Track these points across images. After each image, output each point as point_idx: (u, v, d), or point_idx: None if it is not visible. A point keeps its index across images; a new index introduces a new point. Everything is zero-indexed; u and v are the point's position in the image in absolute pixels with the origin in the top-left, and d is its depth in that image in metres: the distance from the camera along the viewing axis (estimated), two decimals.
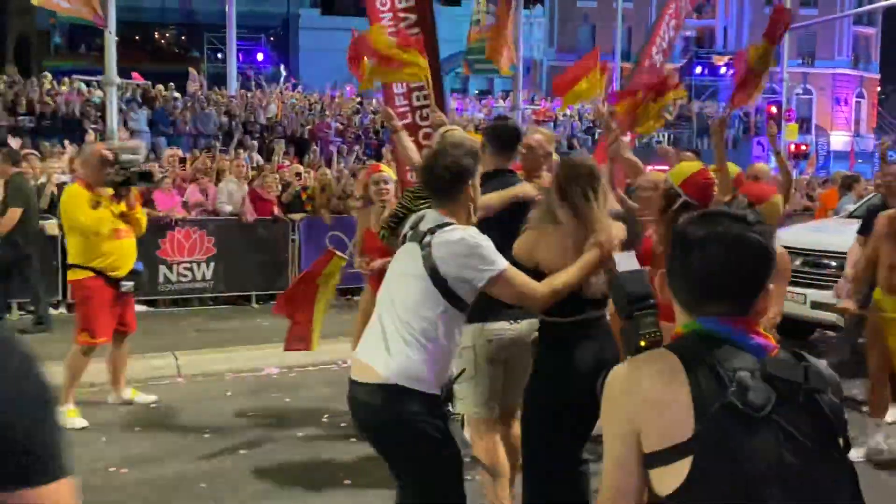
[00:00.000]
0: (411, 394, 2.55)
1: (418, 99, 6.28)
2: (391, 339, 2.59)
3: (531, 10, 34.59)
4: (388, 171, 5.22)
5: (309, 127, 18.27)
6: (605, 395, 1.50)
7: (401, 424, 2.57)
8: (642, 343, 1.83)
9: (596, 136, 24.60)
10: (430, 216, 2.72)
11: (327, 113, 19.69)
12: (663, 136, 27.34)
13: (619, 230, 3.00)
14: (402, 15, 6.22)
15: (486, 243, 2.61)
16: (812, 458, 1.38)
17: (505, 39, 12.68)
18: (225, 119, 17.75)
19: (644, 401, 1.41)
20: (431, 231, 2.63)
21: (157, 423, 5.24)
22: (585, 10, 39.67)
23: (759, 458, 1.36)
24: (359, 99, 22.12)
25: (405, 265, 2.68)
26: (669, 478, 1.38)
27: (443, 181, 2.67)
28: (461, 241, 2.58)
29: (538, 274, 2.91)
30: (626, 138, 5.77)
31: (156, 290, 8.77)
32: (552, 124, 24.72)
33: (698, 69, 35.57)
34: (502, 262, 2.61)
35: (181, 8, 33.76)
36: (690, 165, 3.34)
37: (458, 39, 29.91)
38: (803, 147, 25.01)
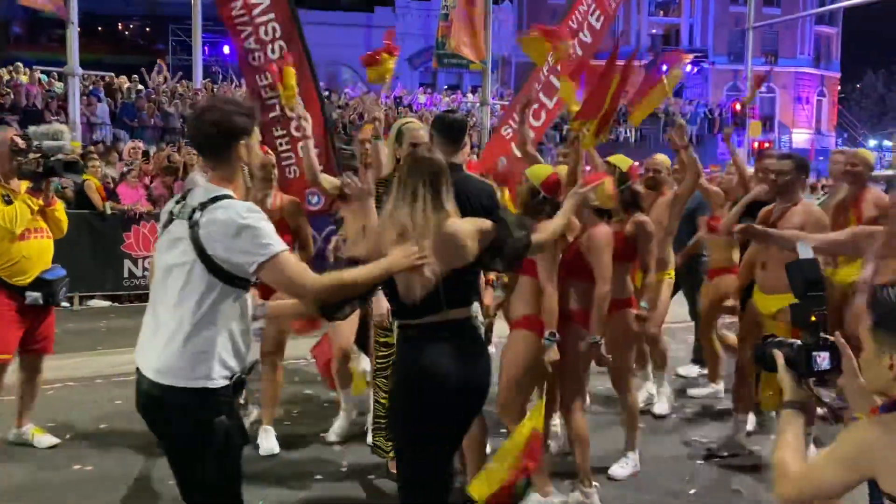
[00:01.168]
0: (184, 391, 2.35)
1: None
2: (162, 333, 2.38)
3: (499, 5, 34.69)
4: (269, 153, 4.71)
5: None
6: (856, 441, 1.80)
7: (170, 420, 2.42)
8: (812, 318, 2.09)
9: (564, 132, 24.77)
10: (202, 188, 2.46)
11: None
12: (632, 132, 27.61)
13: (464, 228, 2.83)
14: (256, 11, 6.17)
15: (260, 223, 2.33)
16: None
17: (474, 32, 12.66)
18: (191, 112, 17.55)
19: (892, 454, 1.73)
20: (203, 206, 2.36)
21: (124, 420, 5.16)
22: (554, 7, 39.85)
23: None
24: (326, 93, 21.92)
25: (172, 249, 2.41)
26: None
27: (209, 137, 2.44)
28: (230, 221, 2.31)
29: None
30: (531, 133, 5.80)
31: (120, 285, 8.64)
32: None
33: (665, 67, 35.95)
34: (277, 246, 2.33)
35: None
36: (545, 168, 3.94)
37: (427, 34, 29.85)
38: (766, 144, 25.46)
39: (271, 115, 6.22)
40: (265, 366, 4.73)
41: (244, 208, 2.35)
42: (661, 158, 5.54)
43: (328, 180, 4.55)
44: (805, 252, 2.22)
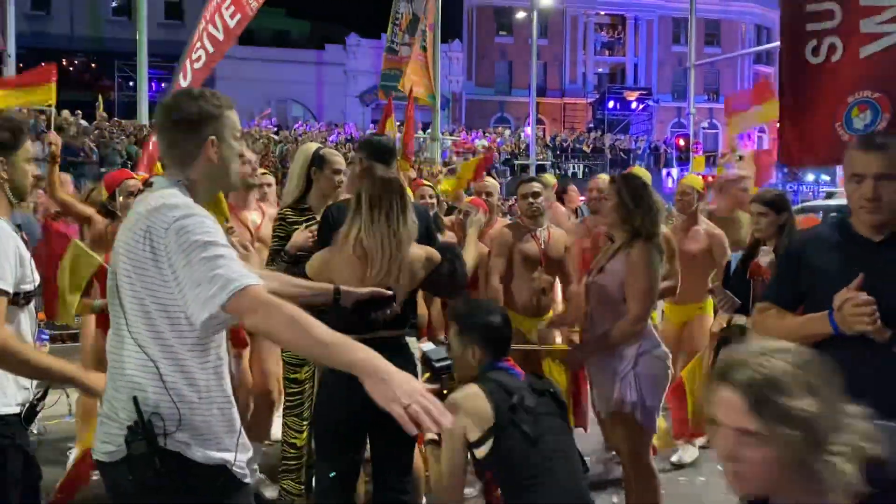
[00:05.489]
0: None
1: None
2: None
3: (449, 44, 35.17)
4: (139, 180, 4.22)
5: None
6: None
7: None
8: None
9: (515, 167, 25.07)
10: None
11: (243, 142, 19.41)
12: (579, 167, 28.08)
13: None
14: None
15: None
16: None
17: (423, 70, 12.81)
18: (135, 148, 17.27)
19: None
20: None
21: (45, 462, 4.88)
22: (502, 46, 40.62)
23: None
24: (275, 129, 21.83)
25: None
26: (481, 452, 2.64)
27: None
28: None
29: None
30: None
31: (51, 322, 8.30)
32: (471, 155, 25.03)
33: (611, 104, 36.82)
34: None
35: (91, 35, 32.80)
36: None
37: (379, 71, 30.04)
38: (710, 178, 26.08)
39: None
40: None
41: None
42: (491, 182, 5.21)
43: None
44: (427, 346, 2.87)
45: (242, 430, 1.98)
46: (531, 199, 4.36)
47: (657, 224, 3.35)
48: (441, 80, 20.21)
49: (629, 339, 3.28)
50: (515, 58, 39.53)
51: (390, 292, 2.70)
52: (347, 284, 2.77)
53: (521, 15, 37.03)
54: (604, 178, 5.23)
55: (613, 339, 3.28)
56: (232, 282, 1.72)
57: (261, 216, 4.31)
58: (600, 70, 43.17)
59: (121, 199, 3.92)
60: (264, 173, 4.90)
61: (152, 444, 1.79)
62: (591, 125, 36.47)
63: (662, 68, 42.24)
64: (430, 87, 13.72)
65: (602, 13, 42.21)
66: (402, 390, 1.58)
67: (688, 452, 4.84)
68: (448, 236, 4.84)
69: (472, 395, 2.64)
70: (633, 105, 36.92)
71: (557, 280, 4.53)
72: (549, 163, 27.50)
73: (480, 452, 2.64)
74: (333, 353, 1.71)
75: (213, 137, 1.93)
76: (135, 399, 1.81)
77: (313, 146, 3.96)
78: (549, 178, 5.09)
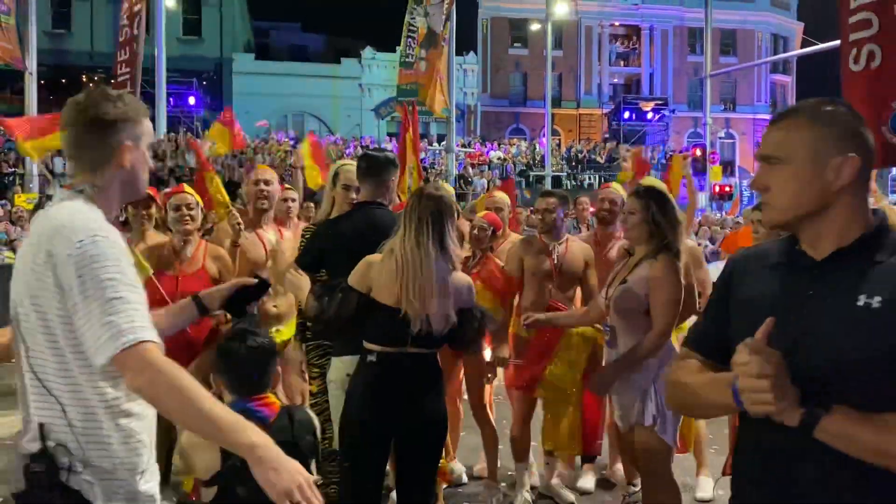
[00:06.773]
0: None
1: None
2: None
3: (464, 56, 35.29)
4: (192, 194, 4.09)
5: (241, 169, 18.11)
6: None
7: None
8: None
9: (530, 178, 25.08)
10: None
11: (259, 156, 19.57)
12: (594, 178, 28.04)
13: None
14: None
15: None
16: None
17: (437, 83, 12.88)
18: (152, 162, 17.50)
19: None
20: None
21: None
22: (517, 58, 40.70)
23: None
24: (292, 142, 21.99)
25: None
26: None
27: None
28: None
29: (371, 300, 2.86)
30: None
31: None
32: (486, 167, 25.10)
33: (626, 114, 36.73)
34: None
35: (111, 52, 33.22)
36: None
37: (393, 85, 30.18)
38: (727, 188, 25.96)
39: None
40: None
41: None
42: (501, 196, 5.12)
43: None
44: None
45: (156, 477, 1.84)
46: (542, 215, 4.36)
47: (681, 237, 3.38)
48: (456, 93, 20.31)
49: (655, 352, 3.29)
50: (530, 69, 39.57)
51: (255, 280, 2.32)
52: (383, 294, 2.85)
53: (535, 27, 37.09)
54: (616, 187, 5.01)
55: (639, 356, 3.30)
56: (123, 334, 1.59)
57: (277, 235, 4.38)
58: (615, 80, 43.12)
59: (171, 213, 4.00)
60: (288, 188, 4.99)
61: (53, 478, 1.66)
62: (607, 136, 36.40)
63: (678, 78, 42.12)
64: (442, 100, 13.77)
65: (617, 24, 42.18)
66: (291, 479, 1.56)
67: (706, 486, 4.65)
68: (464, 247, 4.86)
69: (199, 444, 2.30)
70: (649, 115, 36.79)
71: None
72: (565, 174, 27.48)
73: (207, 494, 2.37)
74: (223, 430, 1.61)
75: (130, 143, 1.82)
76: (41, 426, 1.68)
77: (339, 163, 4.07)
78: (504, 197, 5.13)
